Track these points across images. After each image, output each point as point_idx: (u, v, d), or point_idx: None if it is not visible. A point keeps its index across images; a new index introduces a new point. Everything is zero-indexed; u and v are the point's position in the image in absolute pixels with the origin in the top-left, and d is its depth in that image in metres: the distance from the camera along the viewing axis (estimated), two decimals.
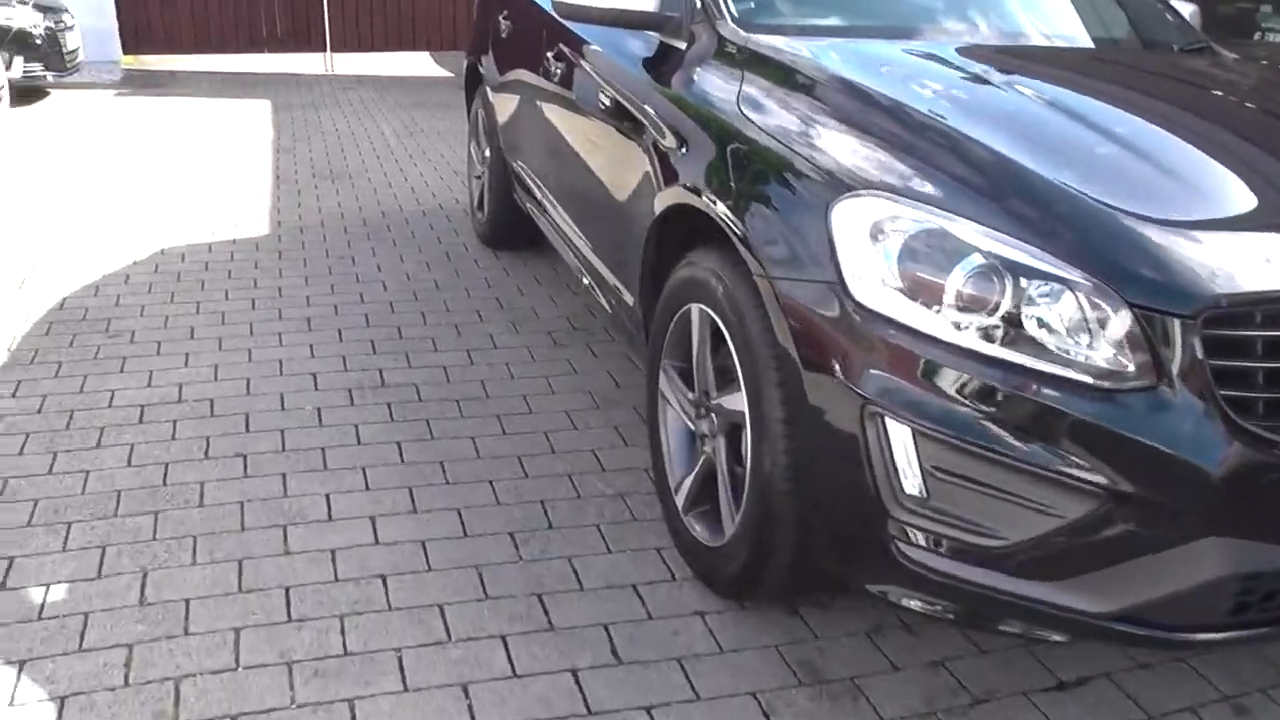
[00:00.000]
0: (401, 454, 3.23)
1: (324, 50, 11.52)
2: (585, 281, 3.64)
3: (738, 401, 2.39)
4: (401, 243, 5.35)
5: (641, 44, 3.13)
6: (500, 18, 4.71)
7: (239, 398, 3.54)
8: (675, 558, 2.77)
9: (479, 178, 5.39)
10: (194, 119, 8.52)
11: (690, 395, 2.69)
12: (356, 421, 3.42)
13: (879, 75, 2.58)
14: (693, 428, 2.70)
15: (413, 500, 2.98)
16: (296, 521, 2.85)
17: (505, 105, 4.64)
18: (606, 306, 3.41)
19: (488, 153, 5.09)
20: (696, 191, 2.53)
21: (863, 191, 2.13)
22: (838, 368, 2.08)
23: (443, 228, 5.65)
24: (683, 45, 2.91)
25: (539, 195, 4.20)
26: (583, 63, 3.53)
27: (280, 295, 4.51)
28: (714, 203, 2.43)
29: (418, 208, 6.04)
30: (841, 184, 2.16)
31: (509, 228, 5.12)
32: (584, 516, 2.95)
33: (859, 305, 2.06)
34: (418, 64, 11.99)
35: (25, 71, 8.79)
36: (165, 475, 3.04)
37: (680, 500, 2.72)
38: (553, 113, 3.85)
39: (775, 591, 2.50)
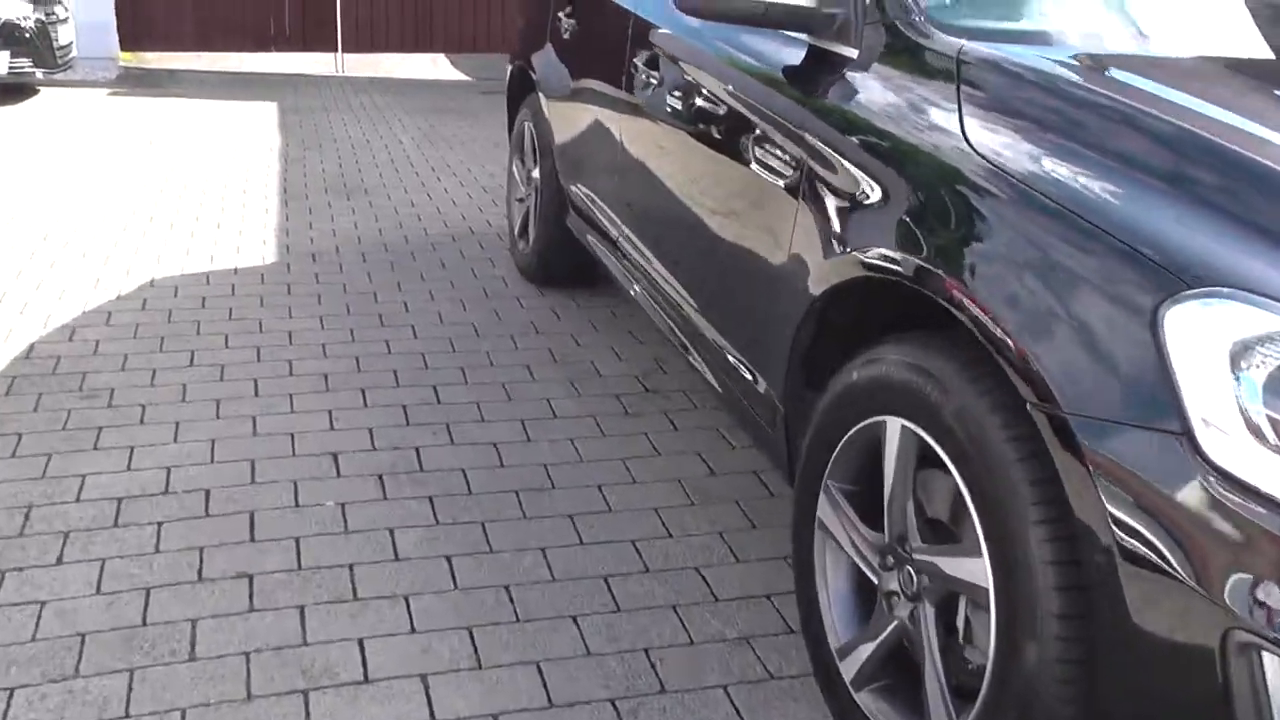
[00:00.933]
0: (454, 575, 2.49)
1: (335, 50, 10.77)
2: (688, 354, 2.88)
3: (971, 570, 1.66)
4: (430, 275, 4.61)
5: (781, 48, 2.39)
6: (562, 15, 3.97)
7: (242, 488, 2.79)
8: None
9: (521, 200, 4.66)
10: (194, 123, 7.77)
11: (871, 536, 1.95)
12: (392, 525, 2.67)
13: (1185, 102, 1.81)
14: (874, 580, 1.95)
15: (475, 649, 2.24)
16: (322, 684, 2.11)
17: (567, 119, 3.90)
18: (717, 386, 2.67)
19: (535, 173, 4.35)
20: (897, 262, 1.79)
21: (1215, 291, 1.39)
22: (1180, 563, 1.35)
23: (476, 256, 4.91)
24: (850, 52, 2.17)
25: (612, 231, 3.46)
26: (687, 71, 2.79)
27: (290, 342, 3.76)
28: (946, 285, 1.68)
29: (445, 231, 5.30)
30: (1176, 277, 1.42)
31: (558, 261, 4.38)
32: (703, 674, 2.21)
33: (1215, 469, 1.33)
34: (433, 67, 11.25)
35: (11, 67, 8.03)
36: (145, 609, 2.29)
37: (849, 671, 1.99)
38: (640, 133, 3.11)
39: None
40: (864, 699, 1.96)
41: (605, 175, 3.48)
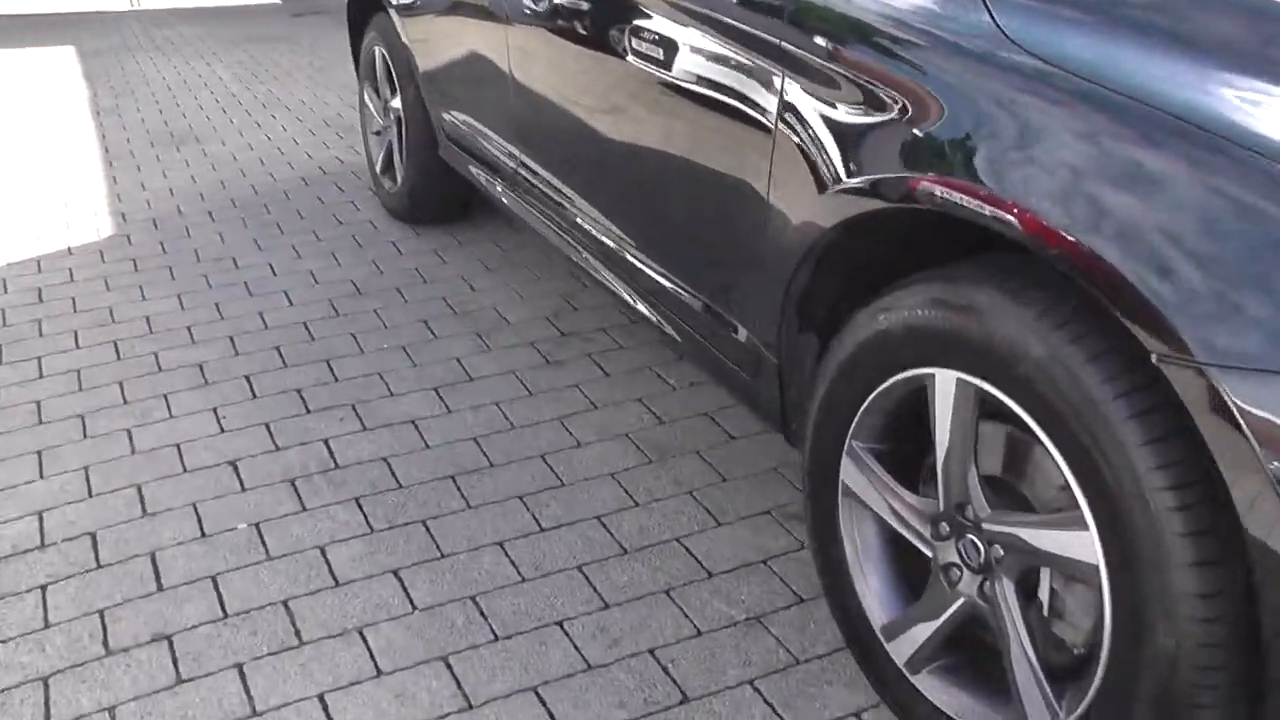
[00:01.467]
0: (408, 593, 2.14)
1: None
2: (623, 296, 2.55)
3: (1071, 544, 1.41)
4: (290, 228, 4.13)
5: None
6: None
7: (133, 524, 2.37)
8: None
9: (378, 134, 4.21)
10: None
11: (918, 503, 1.68)
12: (321, 541, 2.30)
13: None
14: (925, 551, 1.69)
15: (458, 683, 1.91)
16: None
17: (432, 39, 3.46)
18: (676, 336, 2.34)
19: (396, 103, 3.90)
20: (950, 192, 1.47)
21: None
22: None
23: (335, 200, 4.44)
24: None
25: (507, 163, 3.07)
26: None
27: (150, 330, 3.28)
28: (1027, 219, 1.37)
29: (294, 174, 4.79)
30: None
31: (432, 197, 3.98)
32: (723, 670, 1.94)
33: None
34: None
35: None
36: (47, 707, 1.88)
37: (903, 653, 1.74)
38: (542, 52, 2.71)
39: None
40: (925, 682, 1.72)
41: (493, 100, 3.07)
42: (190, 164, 4.95)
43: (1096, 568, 1.37)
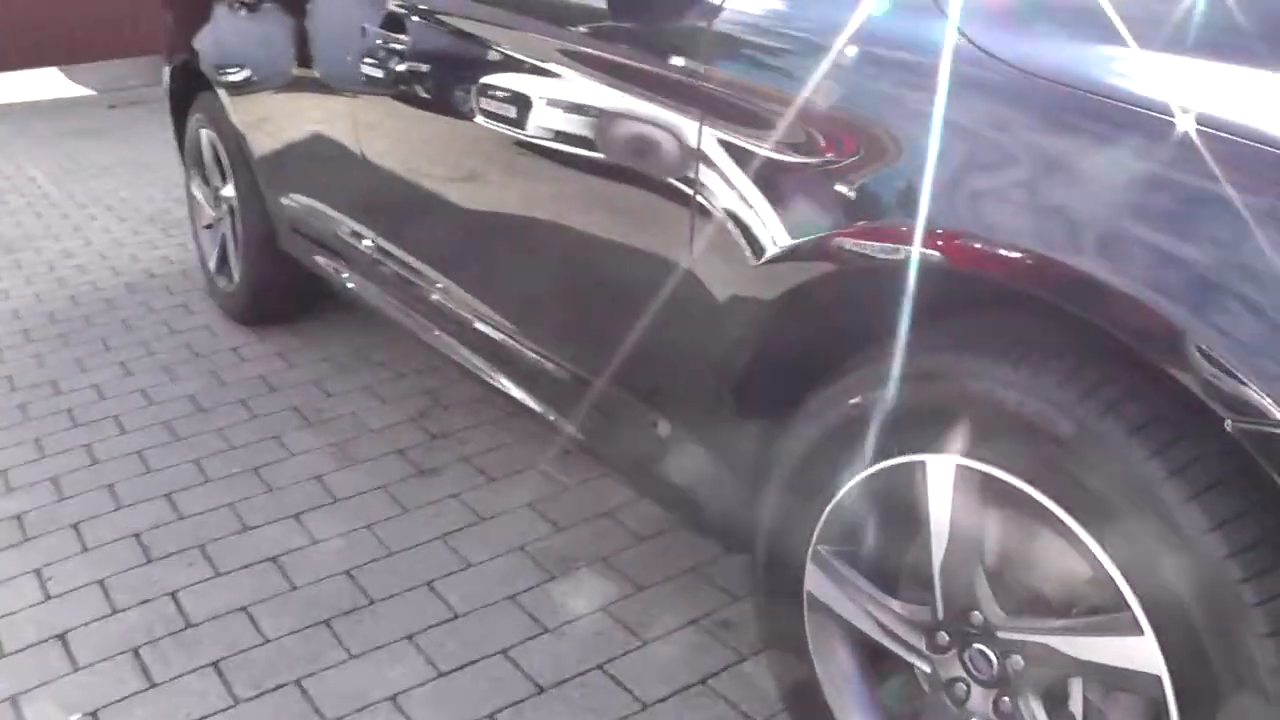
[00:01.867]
0: None
1: None
2: (509, 390, 2.23)
3: (1123, 653, 1.17)
4: (116, 342, 3.70)
5: None
6: None
7: None
8: None
9: (209, 227, 3.82)
10: None
11: (908, 611, 1.41)
12: None
13: None
14: (925, 667, 1.42)
15: None
16: None
17: (265, 116, 3.11)
18: (576, 432, 2.04)
19: (228, 191, 3.53)
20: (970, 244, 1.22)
21: None
22: None
23: (165, 305, 4.02)
24: None
25: (362, 247, 2.73)
26: (461, 24, 2.11)
27: None
28: (1045, 268, 1.13)
29: (118, 280, 4.34)
30: None
31: (276, 293, 3.61)
32: None
33: None
34: (46, 83, 9.73)
35: None
36: None
37: None
38: (390, 116, 2.41)
39: None
40: None
41: (340, 181, 2.74)
42: (1, 278, 4.45)
43: (1158, 678, 1.13)
